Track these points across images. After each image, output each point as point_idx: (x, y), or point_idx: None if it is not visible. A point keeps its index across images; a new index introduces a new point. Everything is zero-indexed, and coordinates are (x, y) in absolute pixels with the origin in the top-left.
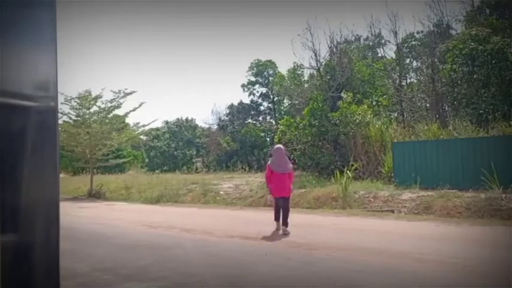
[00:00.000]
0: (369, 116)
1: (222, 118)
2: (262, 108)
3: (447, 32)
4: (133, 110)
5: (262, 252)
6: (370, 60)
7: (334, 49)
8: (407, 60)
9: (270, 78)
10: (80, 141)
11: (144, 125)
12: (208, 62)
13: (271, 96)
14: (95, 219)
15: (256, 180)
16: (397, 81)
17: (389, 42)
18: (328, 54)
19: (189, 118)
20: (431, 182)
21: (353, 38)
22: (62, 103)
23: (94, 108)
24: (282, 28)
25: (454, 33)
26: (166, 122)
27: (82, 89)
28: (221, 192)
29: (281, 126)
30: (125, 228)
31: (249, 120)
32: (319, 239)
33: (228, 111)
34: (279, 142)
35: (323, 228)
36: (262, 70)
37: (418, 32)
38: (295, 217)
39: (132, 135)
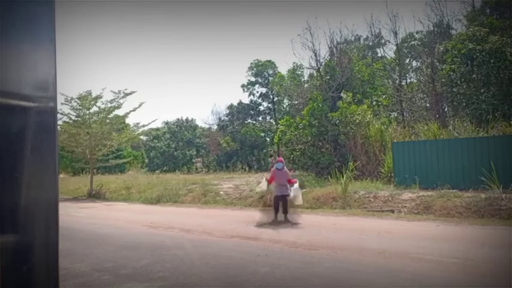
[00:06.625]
0: (368, 116)
1: (222, 118)
2: (262, 108)
3: (447, 31)
4: (134, 110)
5: (262, 252)
6: (370, 60)
7: (334, 49)
8: (407, 60)
9: (270, 79)
10: (80, 141)
11: (144, 125)
12: (208, 62)
13: (271, 96)
14: (95, 219)
15: (256, 180)
16: (397, 81)
17: (389, 42)
18: (328, 54)
19: (189, 118)
20: (431, 182)
21: (353, 38)
22: (62, 103)
23: (94, 109)
24: (282, 28)
25: (454, 32)
26: (167, 122)
27: (82, 89)
28: (221, 193)
29: (281, 126)
30: (125, 229)
31: (249, 120)
32: (319, 239)
33: (227, 112)
34: (279, 141)
35: (323, 228)
36: (262, 70)
37: (417, 32)
38: (295, 217)
39: (132, 136)
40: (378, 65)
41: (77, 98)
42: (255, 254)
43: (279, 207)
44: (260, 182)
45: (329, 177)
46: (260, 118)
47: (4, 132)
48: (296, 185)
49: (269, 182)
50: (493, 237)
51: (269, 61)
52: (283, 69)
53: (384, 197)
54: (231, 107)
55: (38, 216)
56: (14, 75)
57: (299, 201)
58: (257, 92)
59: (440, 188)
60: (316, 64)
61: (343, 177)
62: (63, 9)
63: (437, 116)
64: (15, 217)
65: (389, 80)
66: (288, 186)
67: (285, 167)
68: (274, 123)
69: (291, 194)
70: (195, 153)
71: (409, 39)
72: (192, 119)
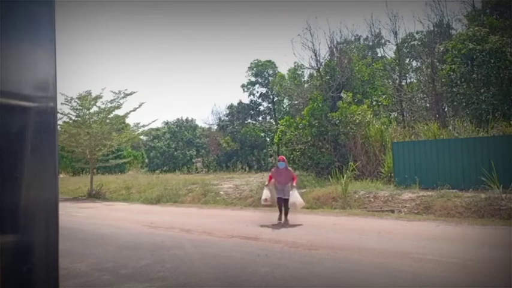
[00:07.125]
0: (368, 116)
1: (222, 118)
2: (262, 108)
3: (447, 31)
4: (134, 111)
5: (262, 252)
6: (370, 60)
7: (334, 49)
8: (407, 60)
9: (270, 79)
10: (80, 141)
11: (144, 125)
12: (208, 62)
13: (271, 96)
14: (95, 219)
15: (256, 180)
16: (397, 81)
17: (389, 42)
18: (328, 54)
19: (189, 118)
20: (431, 182)
21: (353, 38)
22: (62, 103)
23: (94, 109)
24: (282, 28)
25: (454, 32)
26: (167, 122)
27: (82, 89)
28: (221, 193)
29: (281, 126)
30: (125, 229)
31: (249, 120)
32: (319, 239)
33: (227, 112)
34: (279, 141)
35: (323, 228)
36: (262, 70)
37: (417, 32)
38: (295, 217)
39: (132, 136)
40: (378, 65)
41: (77, 98)
42: (255, 254)
43: (282, 208)
44: (263, 194)
45: (329, 177)
46: (260, 118)
47: (4, 132)
48: (295, 190)
49: (268, 181)
50: (493, 237)
51: (269, 61)
52: (283, 69)
53: (383, 197)
54: (231, 107)
55: (38, 216)
56: (14, 75)
57: (301, 203)
58: (257, 92)
59: (440, 188)
60: (316, 64)
61: (343, 177)
62: (63, 9)
63: (437, 116)
64: (15, 217)
65: (389, 80)
66: (289, 187)
67: (288, 166)
68: (274, 123)
69: (291, 200)
70: (195, 153)
71: (409, 39)
72: (192, 119)
